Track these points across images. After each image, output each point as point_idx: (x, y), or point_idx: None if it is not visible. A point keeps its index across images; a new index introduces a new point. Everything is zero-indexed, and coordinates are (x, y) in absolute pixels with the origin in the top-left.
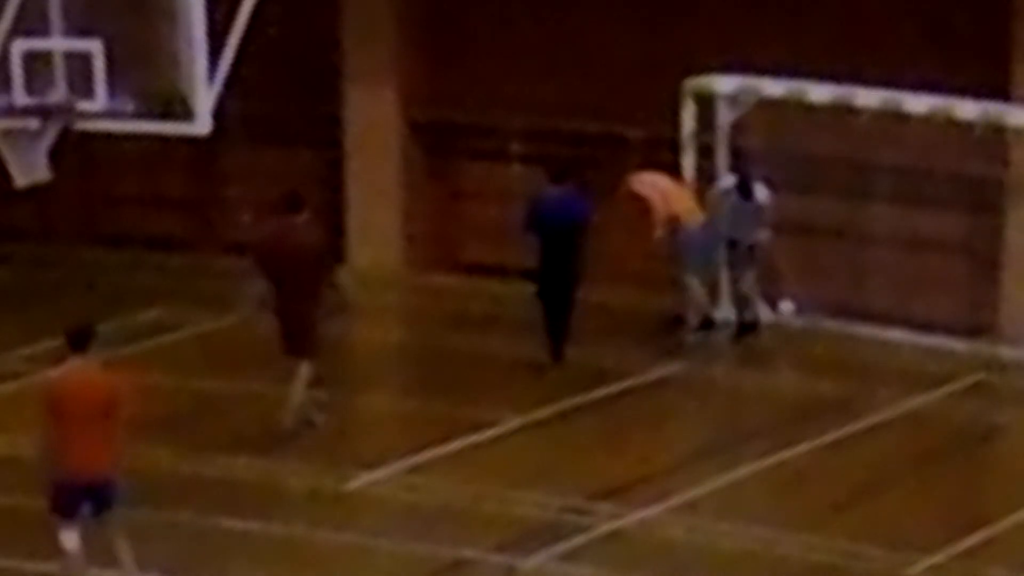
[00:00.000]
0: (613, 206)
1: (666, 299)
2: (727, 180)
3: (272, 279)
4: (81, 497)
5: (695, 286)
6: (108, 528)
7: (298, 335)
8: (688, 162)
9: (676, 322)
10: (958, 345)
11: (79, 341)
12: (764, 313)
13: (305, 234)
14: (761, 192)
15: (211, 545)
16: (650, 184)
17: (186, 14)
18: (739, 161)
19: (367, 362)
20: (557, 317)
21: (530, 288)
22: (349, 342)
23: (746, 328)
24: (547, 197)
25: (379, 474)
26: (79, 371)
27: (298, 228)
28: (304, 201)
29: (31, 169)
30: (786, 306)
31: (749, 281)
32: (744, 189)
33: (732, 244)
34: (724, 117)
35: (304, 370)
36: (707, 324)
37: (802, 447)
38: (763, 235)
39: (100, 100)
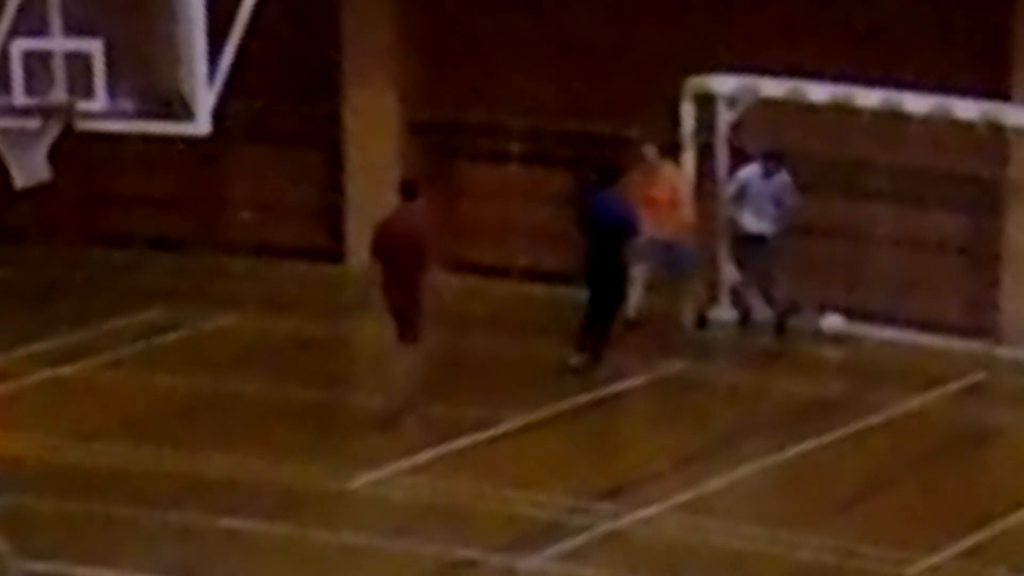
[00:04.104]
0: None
1: (667, 300)
2: (747, 171)
3: (381, 263)
4: None
5: (637, 287)
6: None
7: (403, 321)
8: (688, 162)
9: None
10: (958, 345)
11: None
12: (763, 314)
13: (412, 221)
14: (783, 177)
15: (211, 545)
16: (668, 187)
17: (186, 14)
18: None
19: (367, 362)
20: (595, 318)
21: (580, 292)
22: (349, 342)
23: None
24: (594, 200)
25: (379, 474)
26: None
27: (407, 215)
28: (418, 189)
29: (31, 169)
30: (832, 320)
31: (759, 279)
32: (770, 163)
33: (751, 240)
34: (724, 117)
35: (407, 357)
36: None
37: (802, 447)
38: (778, 232)
39: (100, 100)
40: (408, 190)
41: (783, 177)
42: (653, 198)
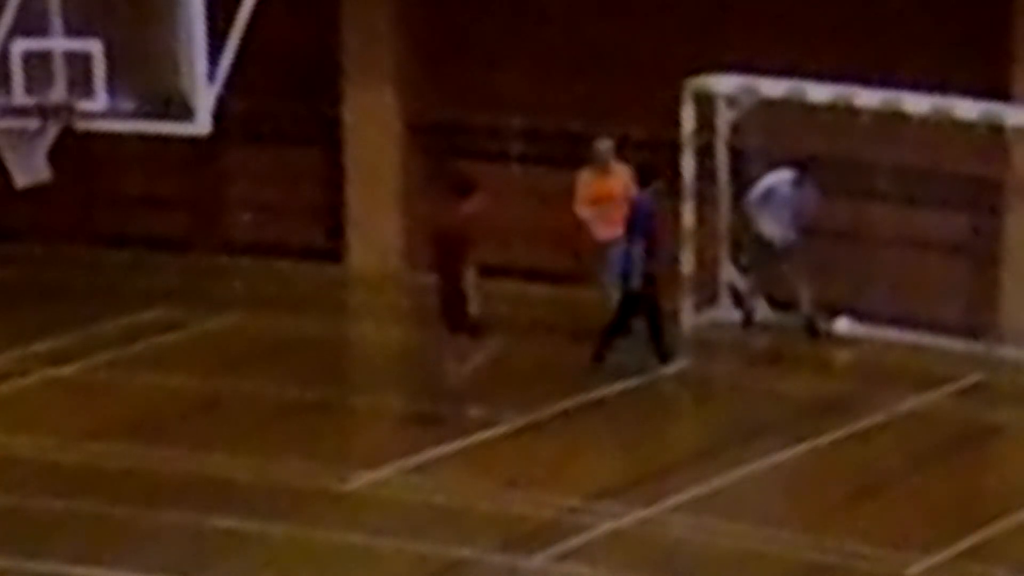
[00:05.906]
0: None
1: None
2: (775, 176)
3: (432, 258)
4: None
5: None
6: None
7: (452, 313)
8: (688, 162)
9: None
10: (958, 345)
11: None
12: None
13: (458, 218)
14: (812, 189)
15: (211, 545)
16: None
17: (186, 14)
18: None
19: (367, 362)
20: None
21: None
22: (349, 342)
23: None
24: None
25: (379, 474)
26: None
27: (454, 211)
28: (473, 186)
29: (31, 169)
30: (842, 323)
31: (767, 282)
32: (802, 172)
33: (767, 244)
34: (724, 117)
35: (465, 346)
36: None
37: (802, 447)
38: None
39: (100, 100)
40: (463, 187)
41: (812, 189)
42: (609, 193)
